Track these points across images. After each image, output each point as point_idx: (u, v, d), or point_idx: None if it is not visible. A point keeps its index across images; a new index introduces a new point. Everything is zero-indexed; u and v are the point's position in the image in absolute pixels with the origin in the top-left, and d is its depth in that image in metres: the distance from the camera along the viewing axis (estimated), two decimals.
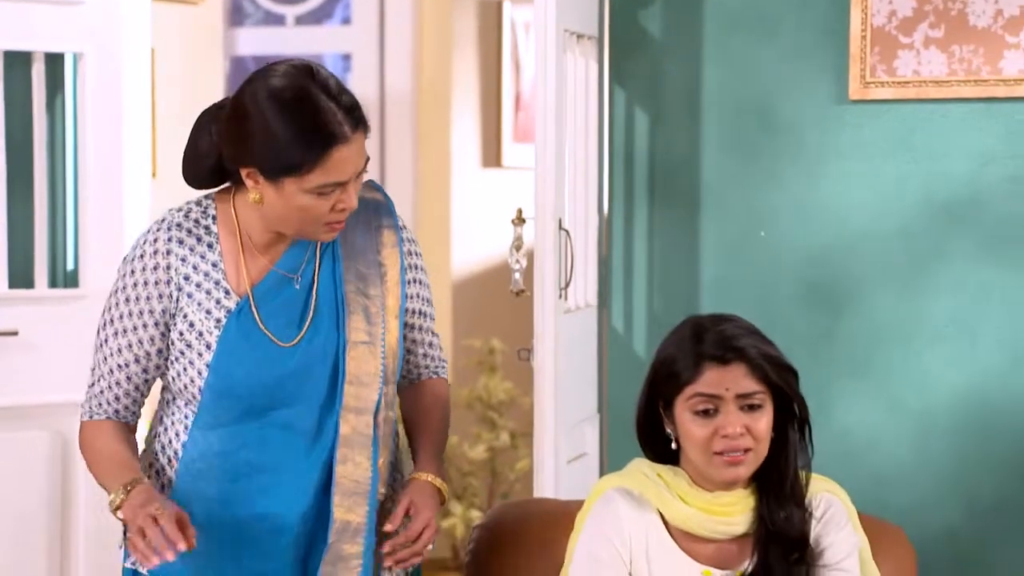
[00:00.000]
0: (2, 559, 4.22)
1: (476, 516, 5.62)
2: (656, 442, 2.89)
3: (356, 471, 2.88)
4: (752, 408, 2.79)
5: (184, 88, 5.52)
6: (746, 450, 2.79)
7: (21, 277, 4.31)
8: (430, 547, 2.95)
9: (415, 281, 3.02)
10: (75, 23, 4.29)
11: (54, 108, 4.41)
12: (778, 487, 2.83)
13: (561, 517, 3.02)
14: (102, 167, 4.33)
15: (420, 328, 3.06)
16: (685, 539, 2.86)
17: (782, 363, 2.82)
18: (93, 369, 2.94)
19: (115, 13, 4.33)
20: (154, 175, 4.66)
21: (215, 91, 5.76)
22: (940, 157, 3.96)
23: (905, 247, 3.98)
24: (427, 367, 3.10)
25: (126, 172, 4.36)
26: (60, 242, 4.43)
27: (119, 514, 2.81)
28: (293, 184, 2.76)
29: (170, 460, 2.91)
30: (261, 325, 2.86)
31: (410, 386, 3.09)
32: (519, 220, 4.04)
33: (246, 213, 2.87)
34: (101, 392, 2.92)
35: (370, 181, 3.00)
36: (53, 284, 4.40)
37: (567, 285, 3.92)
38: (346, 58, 6.45)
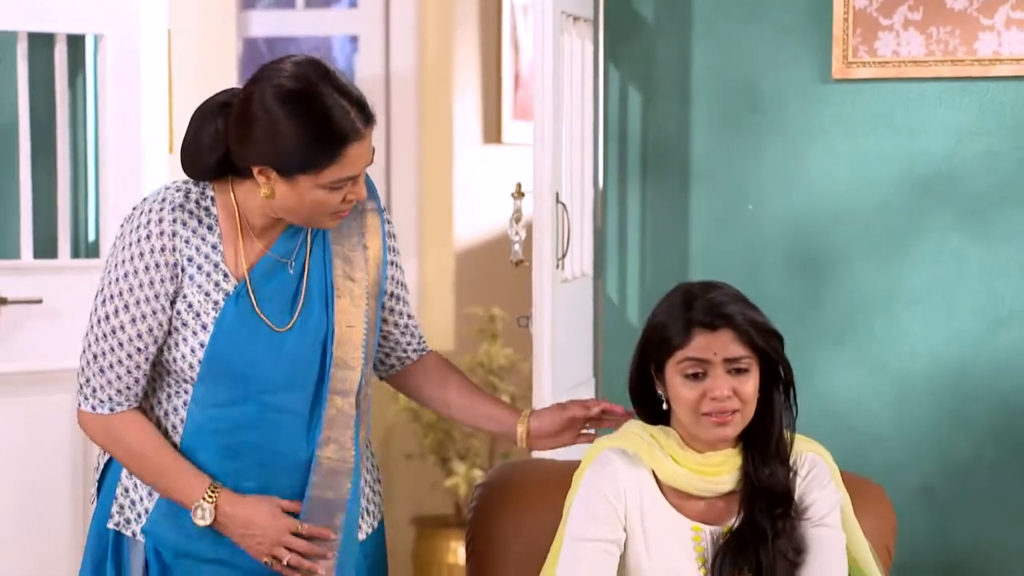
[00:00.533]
0: (28, 514, 4.25)
1: (478, 475, 5.64)
2: (648, 403, 2.92)
3: (340, 451, 2.86)
4: (739, 372, 2.82)
5: (199, 68, 5.53)
6: (733, 411, 2.82)
7: (45, 248, 4.32)
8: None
9: (395, 264, 3.00)
10: (96, 6, 4.28)
11: (76, 87, 4.41)
12: (763, 446, 2.85)
13: (559, 476, 3.02)
14: (121, 143, 4.33)
15: (400, 312, 3.04)
16: (676, 496, 2.87)
17: (767, 328, 2.84)
18: (100, 357, 2.81)
19: None
20: (170, 150, 4.64)
21: (228, 71, 5.76)
22: (918, 133, 3.95)
23: (884, 219, 3.98)
24: (411, 345, 3.07)
25: (144, 148, 4.36)
26: (82, 214, 4.45)
27: (214, 525, 2.81)
28: (308, 181, 2.73)
29: (174, 427, 2.86)
30: (257, 309, 2.82)
31: (414, 369, 3.08)
32: (518, 194, 4.03)
33: (245, 199, 2.82)
34: (119, 378, 2.81)
35: None
36: (75, 254, 4.41)
37: (564, 256, 3.92)
38: (353, 40, 6.42)
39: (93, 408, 2.84)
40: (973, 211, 3.94)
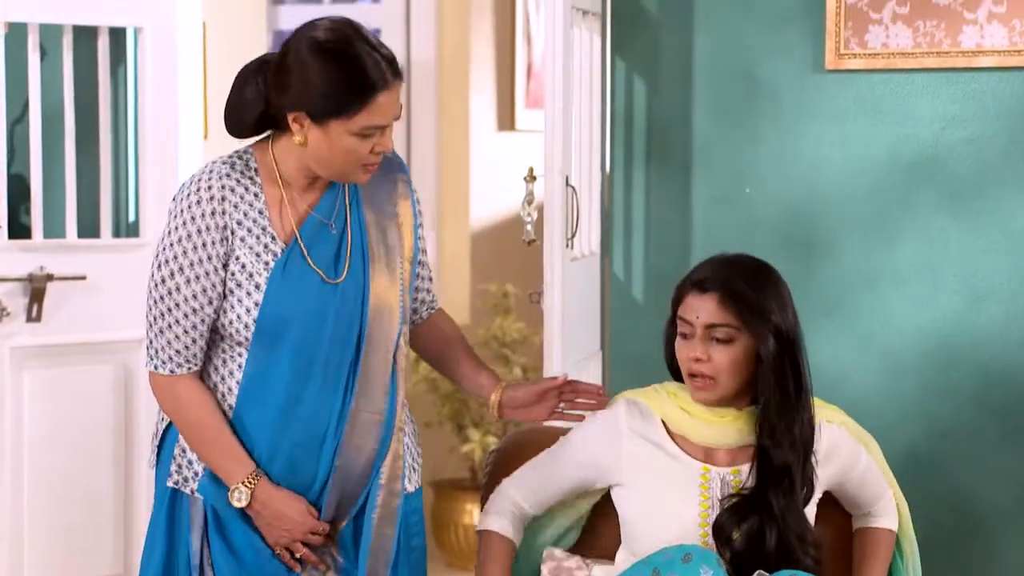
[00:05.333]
0: (73, 479, 4.25)
1: (492, 442, 5.64)
2: (674, 360, 2.88)
3: (371, 404, 2.86)
4: (720, 341, 2.73)
5: (231, 59, 5.50)
6: (707, 377, 2.74)
7: (89, 227, 4.33)
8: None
9: (420, 227, 3.01)
10: (136, 1, 4.28)
11: (117, 77, 4.41)
12: (770, 420, 2.76)
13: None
14: (159, 130, 4.33)
15: (421, 276, 3.04)
16: (686, 443, 2.84)
17: (756, 301, 2.73)
18: (159, 318, 2.82)
19: None
20: (205, 136, 4.66)
21: None
22: (905, 121, 3.94)
23: (874, 201, 3.97)
24: (425, 302, 3.08)
25: (181, 134, 4.36)
26: (123, 196, 4.45)
27: (246, 508, 2.83)
28: (340, 126, 2.74)
29: (225, 395, 2.87)
30: (310, 262, 2.82)
31: (422, 324, 3.08)
32: (530, 177, 4.04)
33: (285, 159, 2.84)
34: (176, 338, 2.82)
35: None
36: (117, 234, 4.41)
37: (573, 236, 3.91)
38: (375, 32, 6.43)
39: (156, 368, 2.86)
40: (957, 194, 3.93)
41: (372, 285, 2.86)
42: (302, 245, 2.83)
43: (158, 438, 2.96)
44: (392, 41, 6.28)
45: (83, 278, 4.23)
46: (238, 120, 2.85)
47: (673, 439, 2.85)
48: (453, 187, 6.28)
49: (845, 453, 2.91)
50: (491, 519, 2.98)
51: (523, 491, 2.97)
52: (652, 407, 2.87)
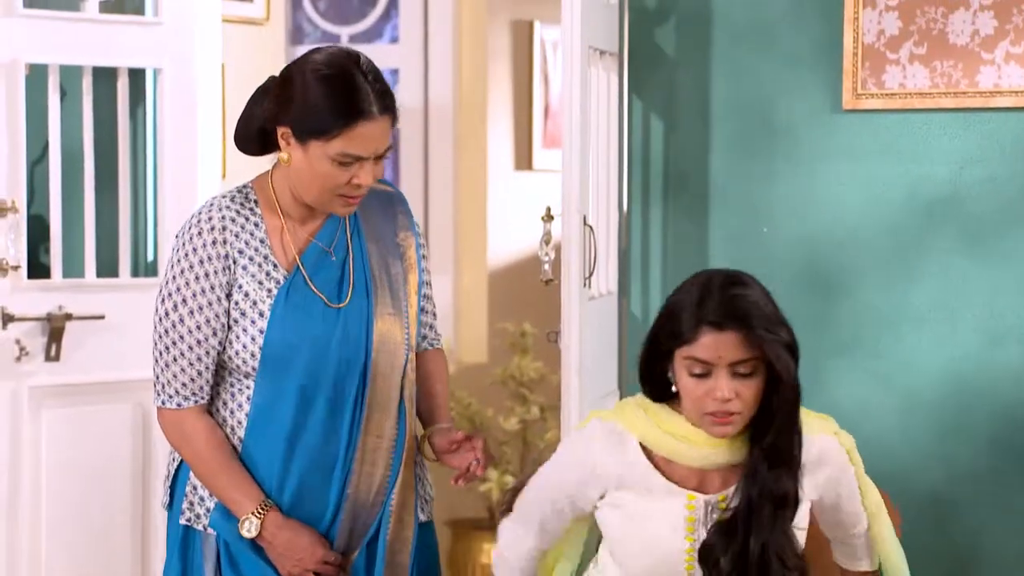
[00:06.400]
0: (91, 517, 4.25)
1: (509, 481, 5.63)
2: (656, 381, 2.77)
3: (381, 431, 2.86)
4: (743, 376, 2.66)
5: None
6: (734, 413, 2.67)
7: (107, 267, 4.33)
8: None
9: (425, 263, 3.01)
10: (155, 42, 4.30)
11: (136, 117, 4.43)
12: (767, 442, 2.68)
13: None
14: (178, 169, 4.33)
15: (425, 310, 3.05)
16: (667, 465, 2.74)
17: (775, 333, 2.66)
18: (164, 352, 2.84)
19: (190, 32, 4.33)
20: (224, 176, 4.66)
21: None
22: (923, 160, 3.94)
23: (891, 240, 3.96)
24: (426, 337, 3.07)
25: (200, 174, 4.37)
26: (141, 236, 4.46)
27: (257, 539, 2.82)
28: (319, 148, 2.75)
29: (235, 428, 2.86)
30: (312, 286, 2.83)
31: (416, 361, 3.05)
32: (548, 217, 4.03)
33: (283, 190, 2.86)
34: (182, 371, 2.83)
35: (383, 179, 3.00)
36: (135, 273, 4.41)
37: (591, 275, 3.91)
38: (394, 72, 6.43)
39: (163, 403, 2.86)
40: (975, 233, 3.92)
41: (376, 312, 2.86)
42: (304, 272, 2.84)
43: (170, 479, 2.96)
44: (410, 81, 6.30)
45: (101, 317, 4.23)
46: (244, 134, 2.90)
47: (654, 463, 2.75)
48: (471, 226, 6.28)
49: (834, 465, 2.84)
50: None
51: (518, 548, 2.91)
52: (628, 429, 2.77)
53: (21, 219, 4.13)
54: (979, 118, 3.90)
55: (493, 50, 6.28)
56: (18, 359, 4.14)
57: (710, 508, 2.73)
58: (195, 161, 4.37)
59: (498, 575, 2.94)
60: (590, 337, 3.92)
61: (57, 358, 4.17)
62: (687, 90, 4.16)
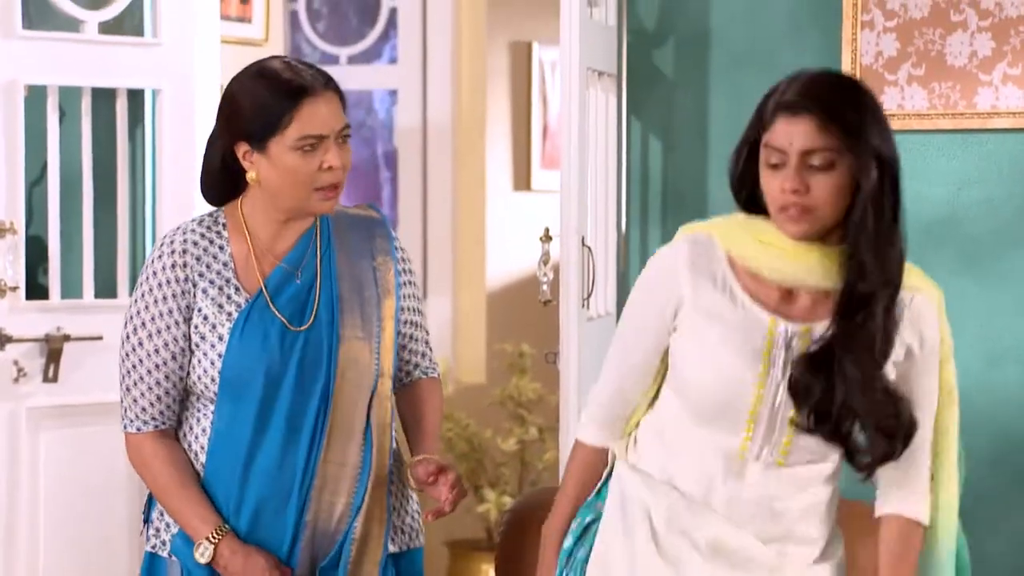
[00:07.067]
0: (88, 537, 4.24)
1: (507, 502, 5.62)
2: (750, 191, 2.52)
3: (343, 457, 2.80)
4: (817, 168, 2.40)
5: None
6: (803, 208, 2.41)
7: (105, 288, 4.32)
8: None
9: (409, 284, 2.94)
10: (154, 63, 4.31)
11: (135, 138, 4.43)
12: (863, 257, 2.42)
13: None
14: (177, 190, 4.33)
15: (414, 337, 2.98)
16: (753, 282, 2.50)
17: (856, 121, 2.38)
18: (125, 377, 2.81)
19: (189, 53, 4.34)
20: None
21: None
22: (921, 181, 3.93)
23: None
24: (418, 366, 3.01)
25: (197, 194, 4.28)
26: (140, 257, 4.44)
27: (213, 564, 2.77)
28: (278, 144, 2.72)
29: (198, 453, 2.83)
30: (273, 308, 2.79)
31: (405, 388, 3.01)
32: (546, 237, 4.05)
33: (252, 212, 2.82)
34: (142, 395, 2.80)
35: (369, 204, 2.98)
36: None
37: (589, 295, 3.91)
38: (392, 93, 6.46)
39: (125, 427, 2.84)
40: (972, 254, 3.92)
41: (342, 334, 2.81)
42: (267, 294, 2.80)
43: (144, 507, 2.93)
44: (409, 101, 6.32)
45: (99, 338, 4.22)
46: (208, 180, 2.88)
47: (740, 280, 2.51)
48: (469, 247, 6.29)
49: (927, 327, 2.57)
50: (580, 429, 2.74)
51: (607, 389, 2.68)
52: (719, 239, 2.52)
53: (20, 240, 4.13)
54: (977, 139, 3.91)
55: (492, 71, 6.30)
56: (16, 380, 4.13)
57: (792, 336, 2.49)
58: (193, 182, 4.23)
59: (584, 416, 2.72)
60: (588, 357, 3.91)
61: (55, 379, 4.17)
62: (685, 111, 4.17)
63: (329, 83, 2.77)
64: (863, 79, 3.93)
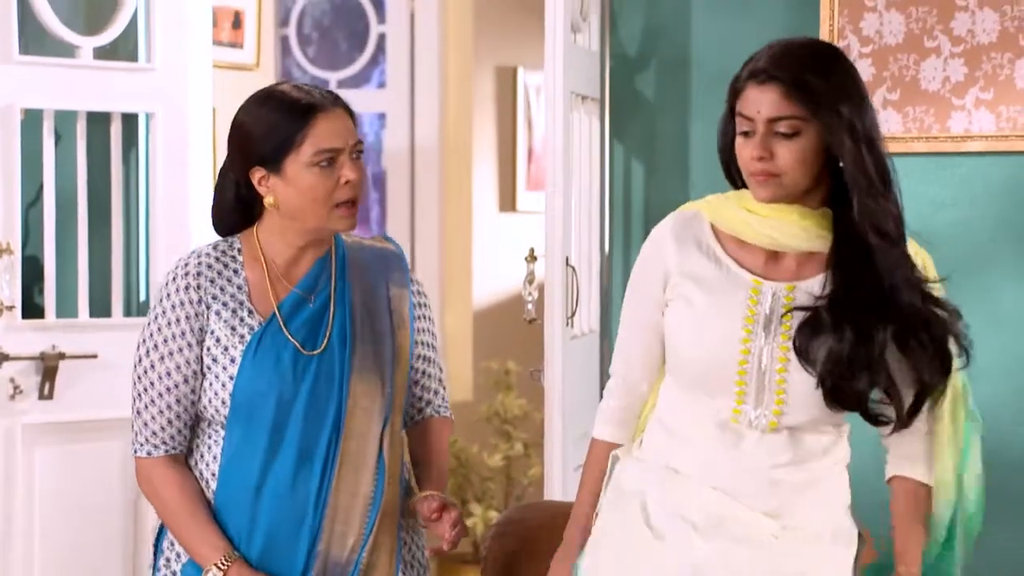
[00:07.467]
0: (84, 555, 4.24)
1: (494, 516, 5.63)
2: (733, 163, 2.54)
3: (356, 488, 2.75)
4: (784, 135, 2.41)
5: None
6: (769, 174, 2.44)
7: (100, 307, 4.33)
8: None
9: (424, 319, 2.92)
10: (148, 87, 4.31)
11: (129, 161, 4.43)
12: (854, 207, 2.41)
13: (566, 517, 2.94)
14: (170, 212, 4.34)
15: (427, 373, 2.94)
16: (736, 247, 2.53)
17: (822, 88, 2.38)
18: (136, 399, 2.76)
19: (182, 78, 4.34)
20: None
21: None
22: None
23: None
24: (431, 403, 2.97)
25: (191, 216, 4.36)
26: (134, 277, 4.46)
27: None
28: (294, 163, 2.69)
29: (209, 480, 2.77)
30: (287, 333, 2.74)
31: (416, 425, 2.96)
32: (531, 258, 4.06)
33: (268, 238, 2.78)
34: (153, 419, 2.75)
35: (383, 235, 2.94)
36: (128, 313, 4.40)
37: (573, 314, 3.92)
38: (381, 117, 6.44)
39: (135, 451, 2.80)
40: (946, 276, 3.94)
41: (354, 363, 2.76)
42: (280, 318, 2.75)
43: (155, 536, 2.89)
44: (397, 125, 6.33)
45: (94, 356, 4.23)
46: (221, 211, 2.83)
47: (724, 246, 2.54)
48: (456, 266, 6.30)
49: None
50: (595, 427, 2.79)
51: (615, 381, 2.73)
52: (703, 210, 2.56)
53: (16, 260, 4.14)
54: (951, 162, 3.93)
55: (478, 95, 6.31)
56: (12, 397, 4.15)
57: (776, 297, 2.50)
58: (186, 204, 4.37)
59: (598, 415, 2.75)
60: (572, 375, 3.93)
61: (51, 396, 4.19)
62: (667, 134, 4.18)
63: (338, 100, 2.75)
64: None
